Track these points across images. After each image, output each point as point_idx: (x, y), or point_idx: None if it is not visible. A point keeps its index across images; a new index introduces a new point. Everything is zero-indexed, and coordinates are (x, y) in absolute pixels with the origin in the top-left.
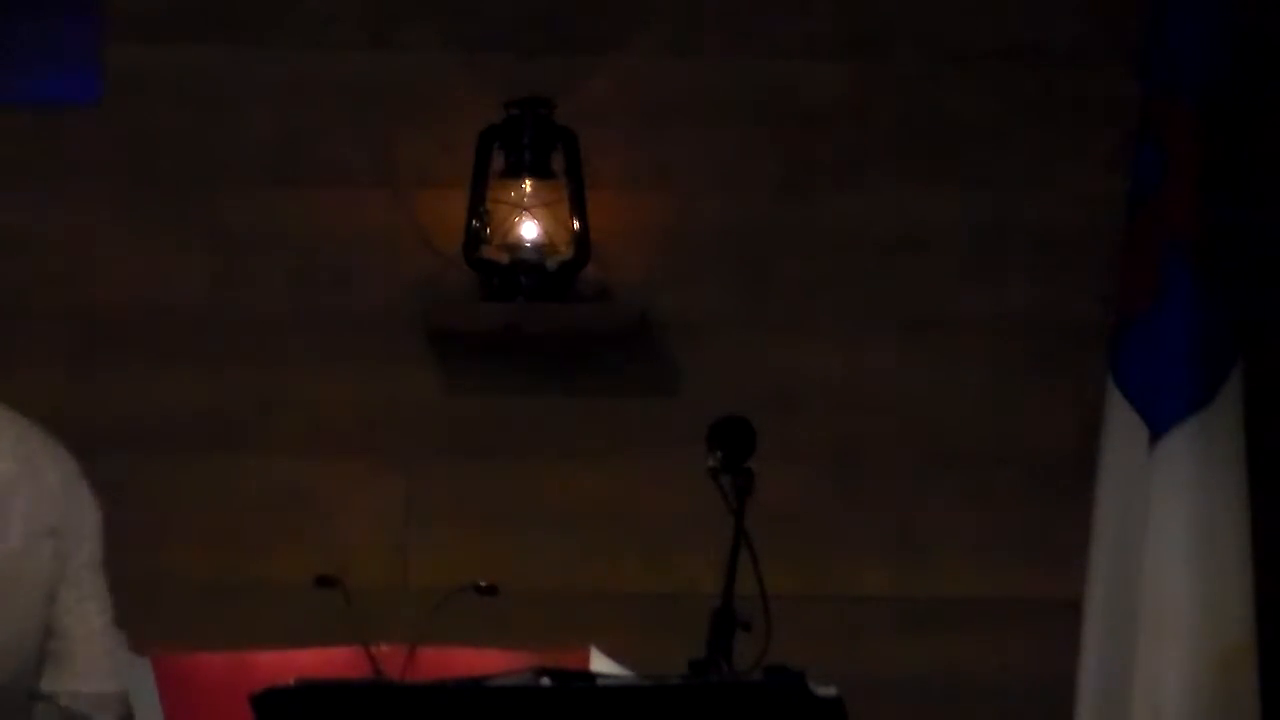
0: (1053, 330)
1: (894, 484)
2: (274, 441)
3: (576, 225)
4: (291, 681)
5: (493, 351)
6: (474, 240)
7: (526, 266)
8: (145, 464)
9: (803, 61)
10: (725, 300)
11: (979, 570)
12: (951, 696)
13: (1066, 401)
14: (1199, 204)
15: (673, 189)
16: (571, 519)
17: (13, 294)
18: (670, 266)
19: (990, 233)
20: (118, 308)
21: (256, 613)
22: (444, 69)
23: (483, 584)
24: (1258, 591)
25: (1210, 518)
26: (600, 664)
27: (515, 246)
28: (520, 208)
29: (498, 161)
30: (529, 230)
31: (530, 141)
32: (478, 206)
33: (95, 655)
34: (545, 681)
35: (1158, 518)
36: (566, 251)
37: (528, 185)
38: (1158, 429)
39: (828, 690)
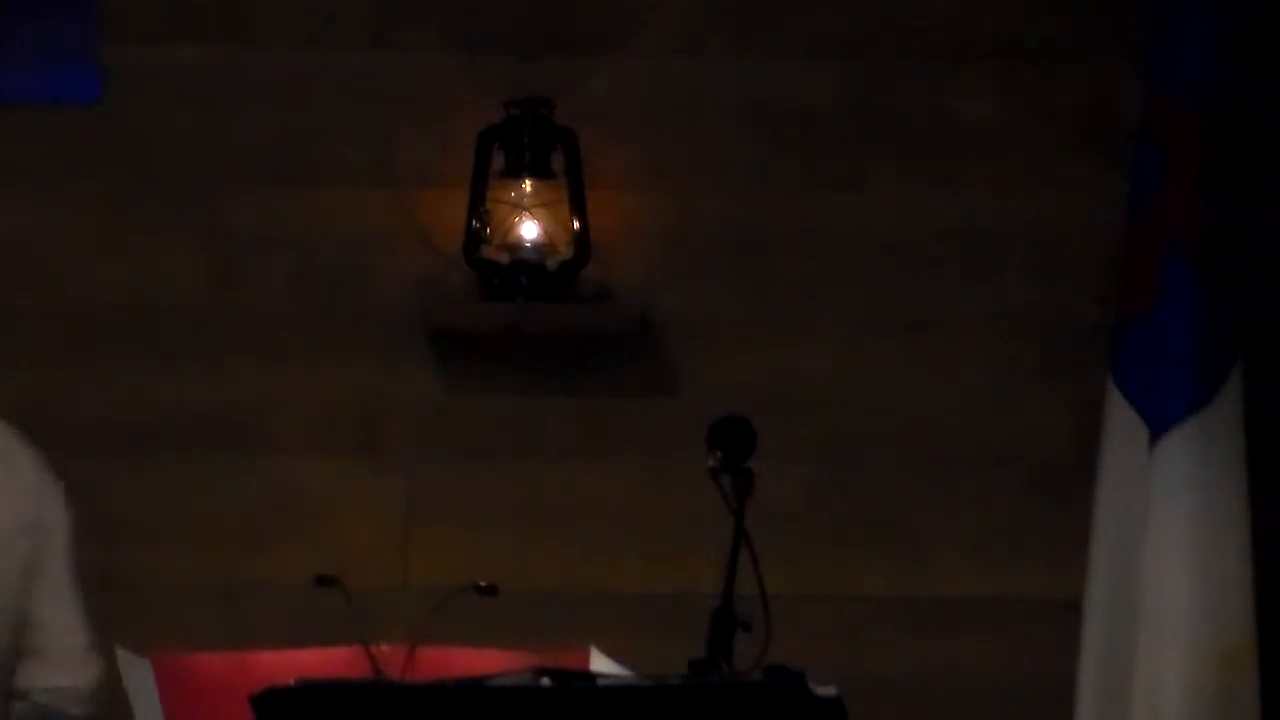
0: (1053, 330)
1: (894, 484)
2: (274, 441)
3: (576, 225)
4: (291, 681)
5: (493, 351)
6: (474, 240)
7: (526, 266)
8: (145, 464)
9: (803, 61)
10: (725, 300)
11: (979, 570)
12: (951, 696)
13: (1066, 401)
14: (1199, 204)
15: (673, 189)
16: (571, 519)
17: (12, 293)
18: (670, 266)
19: (990, 233)
20: (118, 307)
21: (256, 613)
22: (444, 69)
23: (483, 584)
24: (1258, 591)
25: (1210, 518)
26: (600, 664)
27: (515, 246)
28: (520, 208)
29: (498, 161)
30: (529, 230)
31: (530, 141)
32: (478, 206)
33: (72, 649)
34: (545, 681)
35: (1158, 518)
36: (566, 251)
37: (528, 185)
38: (1158, 429)
39: (828, 690)
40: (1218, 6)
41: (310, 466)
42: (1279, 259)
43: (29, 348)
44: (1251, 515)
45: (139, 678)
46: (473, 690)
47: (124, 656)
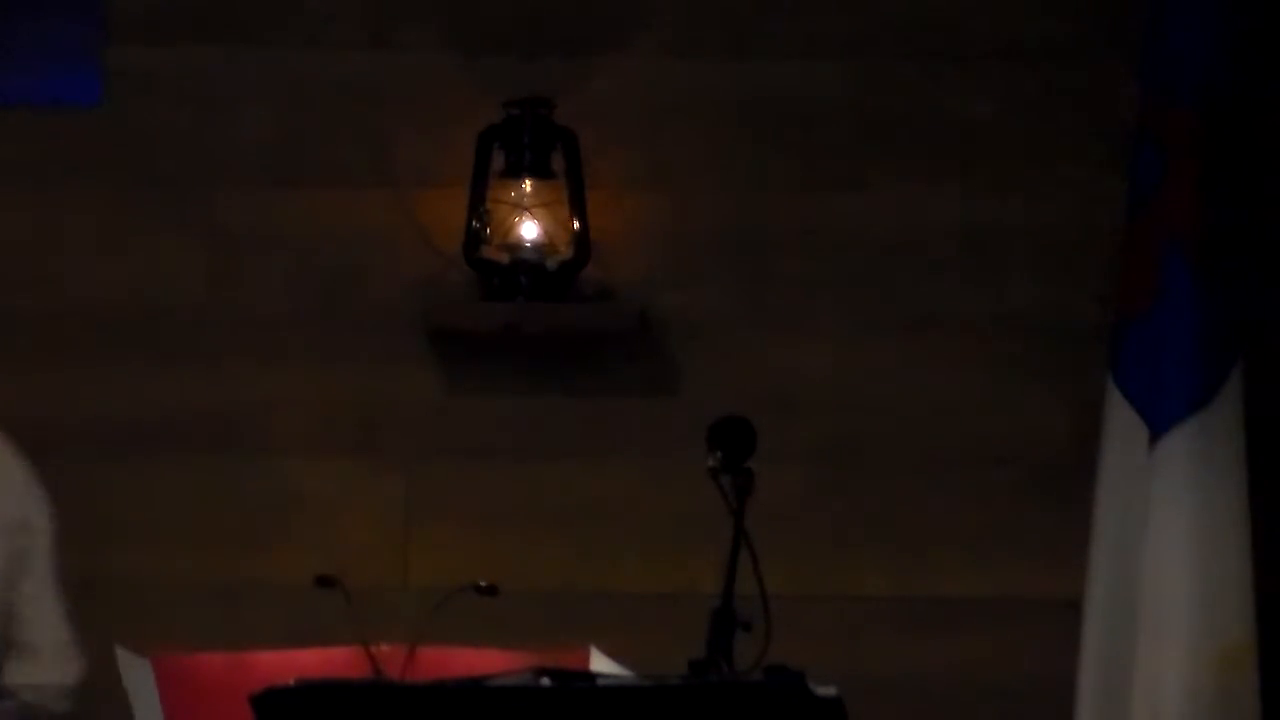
0: (1052, 330)
1: (894, 484)
2: (274, 442)
3: (576, 225)
4: (291, 681)
5: (493, 351)
6: (474, 240)
7: (526, 266)
8: (145, 464)
9: (803, 61)
10: (725, 300)
11: (979, 570)
12: (951, 696)
13: (1066, 401)
14: (1199, 204)
15: (673, 189)
16: (571, 519)
17: (12, 293)
18: (670, 266)
19: (990, 233)
20: (117, 307)
21: (256, 613)
22: (444, 69)
23: (483, 584)
24: (1258, 591)
25: (1210, 518)
26: (600, 664)
27: (515, 246)
28: (520, 208)
29: (498, 161)
30: (529, 230)
31: (530, 142)
32: (478, 206)
33: (56, 645)
34: (545, 681)
35: (1157, 517)
36: (566, 251)
37: (528, 185)
38: (1158, 429)
39: (828, 690)
40: (1217, 7)
41: (310, 467)
42: (1279, 259)
43: (29, 348)
44: (1251, 515)
45: (139, 678)
46: (473, 690)
47: (124, 656)
